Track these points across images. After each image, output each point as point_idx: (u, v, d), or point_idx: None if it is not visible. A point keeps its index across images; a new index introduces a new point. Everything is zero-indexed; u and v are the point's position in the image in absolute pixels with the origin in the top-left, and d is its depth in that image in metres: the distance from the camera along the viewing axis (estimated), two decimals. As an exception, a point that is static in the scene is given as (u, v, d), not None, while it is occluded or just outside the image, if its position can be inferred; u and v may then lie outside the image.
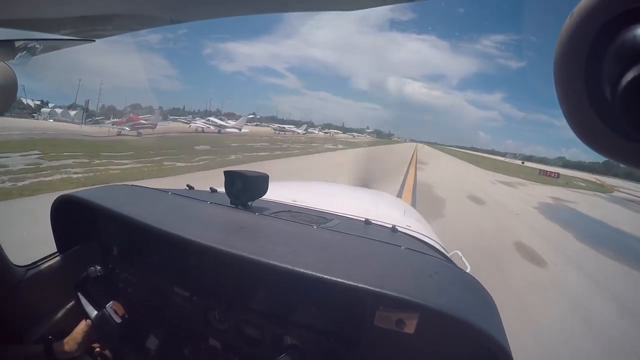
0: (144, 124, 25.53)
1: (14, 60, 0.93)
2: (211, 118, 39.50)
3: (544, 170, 46.25)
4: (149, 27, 0.98)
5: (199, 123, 35.19)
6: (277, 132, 47.55)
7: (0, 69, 0.91)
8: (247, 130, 37.51)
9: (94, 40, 0.96)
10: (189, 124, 35.76)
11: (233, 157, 16.93)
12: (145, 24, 0.95)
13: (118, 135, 22.43)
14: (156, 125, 26.58)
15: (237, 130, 34.78)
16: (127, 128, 23.62)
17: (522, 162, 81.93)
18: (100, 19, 0.88)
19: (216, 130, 32.73)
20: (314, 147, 31.84)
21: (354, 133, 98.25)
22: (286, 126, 54.84)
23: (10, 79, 0.93)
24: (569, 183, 37.50)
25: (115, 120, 26.75)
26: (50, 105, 34.51)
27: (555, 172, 45.73)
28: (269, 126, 53.54)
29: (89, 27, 0.92)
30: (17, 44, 0.89)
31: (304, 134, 53.13)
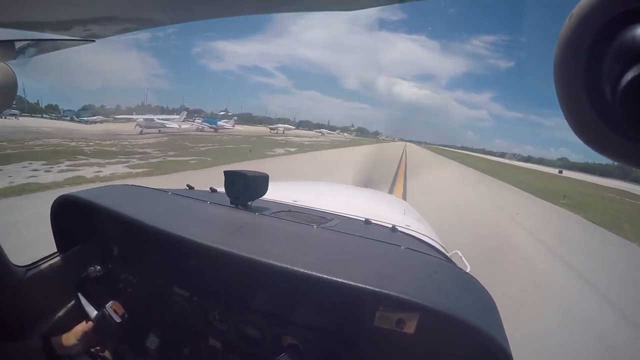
0: None
1: (14, 60, 0.93)
2: None
3: None
4: (150, 27, 0.98)
5: None
6: (142, 129, 27.87)
7: (0, 68, 0.91)
8: None
9: (94, 41, 0.97)
10: None
11: None
12: (146, 24, 0.96)
13: None
14: None
15: None
16: None
17: (560, 172, 59.69)
18: (102, 21, 0.88)
19: None
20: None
21: (323, 130, 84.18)
22: (156, 117, 32.36)
23: (10, 79, 0.93)
24: None
25: None
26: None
27: None
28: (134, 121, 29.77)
29: (90, 28, 0.92)
30: (17, 44, 0.89)
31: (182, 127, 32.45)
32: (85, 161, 13.34)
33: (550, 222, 11.40)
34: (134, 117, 32.40)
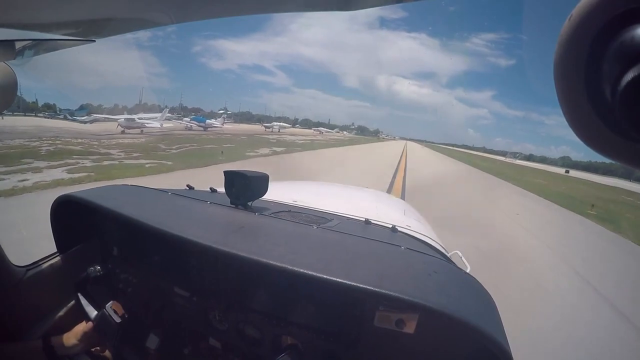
0: None
1: (14, 60, 0.92)
2: None
3: None
4: (151, 27, 0.99)
5: None
6: (123, 129, 26.69)
7: (0, 69, 0.90)
8: None
9: (94, 41, 0.96)
10: None
11: None
12: (146, 24, 0.96)
13: None
14: None
15: None
16: None
17: (567, 172, 56.73)
18: (102, 21, 0.88)
19: None
20: None
21: (321, 128, 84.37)
22: (137, 117, 30.28)
23: (10, 79, 0.93)
24: None
25: None
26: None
27: None
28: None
29: (90, 28, 0.92)
30: (17, 44, 0.88)
31: None
32: (26, 166, 11.33)
33: (597, 253, 8.50)
34: (121, 117, 30.54)
